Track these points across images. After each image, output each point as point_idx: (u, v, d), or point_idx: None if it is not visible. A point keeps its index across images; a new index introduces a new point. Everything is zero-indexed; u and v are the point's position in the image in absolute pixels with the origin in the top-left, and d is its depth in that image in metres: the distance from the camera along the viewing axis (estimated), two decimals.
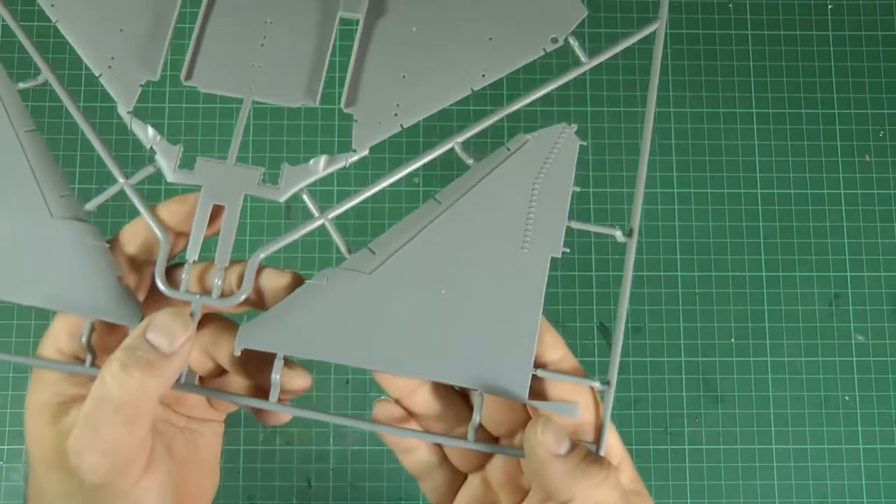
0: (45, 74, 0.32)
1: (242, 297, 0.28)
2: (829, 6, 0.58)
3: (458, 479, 0.31)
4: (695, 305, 0.55)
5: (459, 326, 0.29)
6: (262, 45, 0.31)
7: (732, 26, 0.57)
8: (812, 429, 0.54)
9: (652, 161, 0.54)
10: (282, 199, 0.29)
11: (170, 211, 0.29)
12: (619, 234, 0.30)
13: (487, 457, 0.30)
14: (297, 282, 0.29)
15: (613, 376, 0.29)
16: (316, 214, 0.30)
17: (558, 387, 0.28)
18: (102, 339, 0.29)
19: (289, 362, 0.29)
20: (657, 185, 0.55)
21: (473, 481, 0.30)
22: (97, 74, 0.31)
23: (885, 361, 0.54)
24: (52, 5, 0.34)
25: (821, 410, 0.54)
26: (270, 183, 0.30)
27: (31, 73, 0.32)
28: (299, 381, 0.29)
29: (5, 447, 0.53)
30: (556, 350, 0.29)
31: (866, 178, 0.56)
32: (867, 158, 0.56)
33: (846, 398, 0.54)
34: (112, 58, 0.31)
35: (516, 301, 0.29)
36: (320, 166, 0.30)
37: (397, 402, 0.30)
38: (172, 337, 0.26)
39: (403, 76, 0.31)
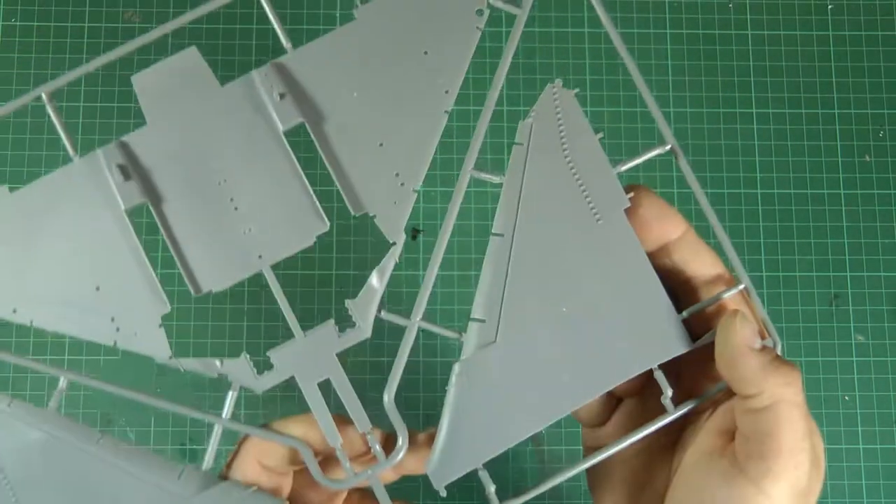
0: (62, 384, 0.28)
1: (404, 448, 0.28)
2: (829, 6, 0.58)
3: (614, 401, 0.31)
4: None
5: (598, 327, 0.28)
6: (237, 208, 0.28)
7: (732, 26, 0.57)
8: None
9: (652, 162, 0.54)
10: (369, 334, 0.28)
11: (307, 428, 0.29)
12: (666, 147, 0.30)
13: (645, 383, 0.30)
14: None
15: (745, 279, 0.30)
16: (405, 324, 0.29)
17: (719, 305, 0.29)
18: None
19: None
20: (657, 185, 0.55)
21: (630, 403, 0.31)
22: (111, 345, 0.28)
23: (885, 361, 0.54)
24: (15, 310, 0.28)
25: (821, 410, 0.54)
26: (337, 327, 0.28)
27: None
28: None
29: None
30: (713, 267, 0.30)
31: (866, 178, 0.56)
32: (867, 158, 0.56)
33: (846, 398, 0.54)
34: (112, 319, 0.28)
35: (624, 268, 0.29)
36: (376, 282, 0.28)
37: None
38: None
39: (381, 144, 0.29)
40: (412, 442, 0.29)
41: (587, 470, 0.31)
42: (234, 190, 0.28)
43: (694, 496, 0.28)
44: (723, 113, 0.56)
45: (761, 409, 0.27)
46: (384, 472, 0.29)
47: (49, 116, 0.29)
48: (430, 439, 0.29)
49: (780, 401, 0.27)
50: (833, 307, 0.55)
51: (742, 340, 0.27)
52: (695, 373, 0.30)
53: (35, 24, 0.55)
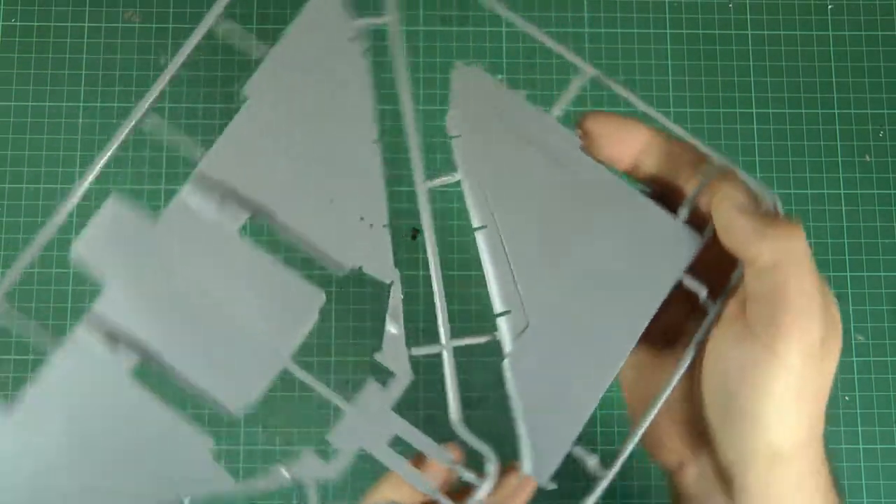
0: None
1: (495, 465, 0.28)
2: (829, 6, 0.58)
3: None
4: None
5: (612, 267, 0.29)
6: (232, 320, 0.28)
7: (732, 26, 0.57)
8: None
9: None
10: (412, 376, 0.29)
11: (397, 486, 0.29)
12: (587, 75, 0.30)
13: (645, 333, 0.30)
14: None
15: (717, 157, 0.29)
16: (438, 350, 0.29)
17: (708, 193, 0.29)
18: None
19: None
20: None
21: (641, 350, 0.31)
22: None
23: (885, 361, 0.54)
24: None
25: None
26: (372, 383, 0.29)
27: None
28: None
29: None
30: (691, 159, 0.29)
31: (866, 178, 0.56)
32: (867, 158, 0.56)
33: (846, 398, 0.54)
34: (170, 481, 0.27)
35: (609, 202, 0.29)
36: (394, 329, 0.29)
37: None
38: None
39: (331, 201, 0.29)
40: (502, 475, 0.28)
41: (630, 397, 0.31)
42: (222, 304, 0.28)
43: (715, 368, 0.28)
44: (723, 113, 0.56)
45: (766, 269, 0.26)
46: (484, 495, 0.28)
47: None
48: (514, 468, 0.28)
49: (784, 258, 0.26)
50: None
51: (734, 202, 0.27)
52: (713, 280, 0.30)
53: (35, 24, 0.55)
